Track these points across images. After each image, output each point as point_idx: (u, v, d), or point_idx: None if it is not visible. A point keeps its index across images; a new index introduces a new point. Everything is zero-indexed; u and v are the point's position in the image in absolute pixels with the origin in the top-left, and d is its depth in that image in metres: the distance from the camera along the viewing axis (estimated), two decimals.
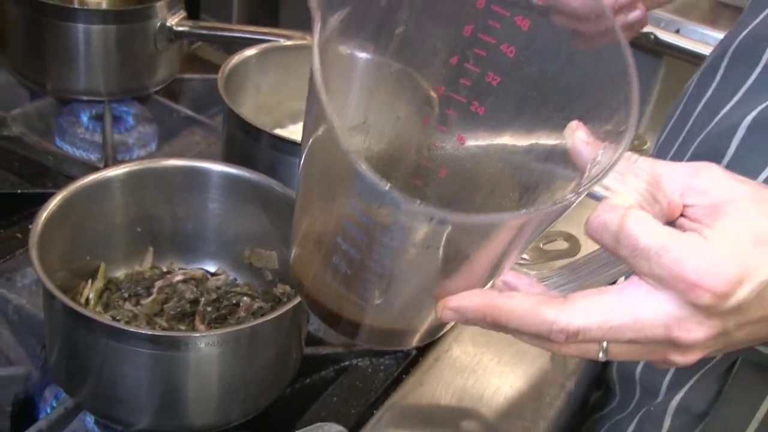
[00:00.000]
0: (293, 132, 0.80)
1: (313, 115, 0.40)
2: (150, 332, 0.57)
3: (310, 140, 0.42)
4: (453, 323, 0.47)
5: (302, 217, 0.49)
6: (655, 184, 0.40)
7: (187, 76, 0.92)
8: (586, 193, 0.37)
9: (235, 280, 0.66)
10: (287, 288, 0.64)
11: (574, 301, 0.39)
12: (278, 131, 0.76)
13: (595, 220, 0.38)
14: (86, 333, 0.52)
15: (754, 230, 0.37)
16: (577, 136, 0.39)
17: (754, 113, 0.53)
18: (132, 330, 0.55)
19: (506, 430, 0.63)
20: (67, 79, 0.82)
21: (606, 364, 0.73)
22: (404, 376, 0.65)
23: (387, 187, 0.36)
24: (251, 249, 0.66)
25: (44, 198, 0.67)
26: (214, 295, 0.63)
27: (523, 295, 0.41)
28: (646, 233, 0.37)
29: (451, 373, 0.67)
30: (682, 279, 0.36)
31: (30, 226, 0.66)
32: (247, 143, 0.70)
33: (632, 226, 0.37)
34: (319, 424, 0.57)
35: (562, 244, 0.66)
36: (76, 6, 0.86)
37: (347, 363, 0.65)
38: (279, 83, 0.80)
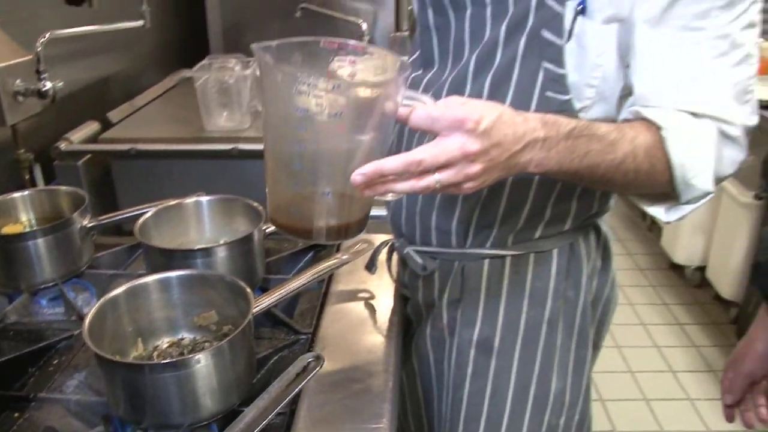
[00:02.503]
0: None
1: (264, 80, 0.56)
2: (170, 360, 0.71)
3: (267, 102, 0.58)
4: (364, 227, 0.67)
5: (269, 165, 0.62)
6: (434, 102, 0.62)
7: (99, 254, 1.06)
8: (406, 71, 0.61)
9: (195, 337, 0.82)
10: (230, 327, 0.80)
11: (415, 150, 0.59)
12: None
13: (412, 115, 0.60)
14: (132, 375, 0.64)
15: (480, 106, 0.60)
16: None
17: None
18: (158, 363, 0.67)
19: None
20: (30, 277, 0.94)
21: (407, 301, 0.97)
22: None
23: (299, 72, 0.55)
24: (198, 315, 0.81)
25: (54, 345, 0.84)
26: (189, 347, 0.80)
27: (394, 156, 0.60)
28: (435, 110, 0.60)
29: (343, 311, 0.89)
30: (456, 120, 0.58)
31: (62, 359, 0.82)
32: (164, 261, 0.88)
33: (429, 110, 0.60)
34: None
35: (363, 245, 0.96)
36: (26, 230, 0.99)
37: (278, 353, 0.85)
38: (166, 228, 0.98)
